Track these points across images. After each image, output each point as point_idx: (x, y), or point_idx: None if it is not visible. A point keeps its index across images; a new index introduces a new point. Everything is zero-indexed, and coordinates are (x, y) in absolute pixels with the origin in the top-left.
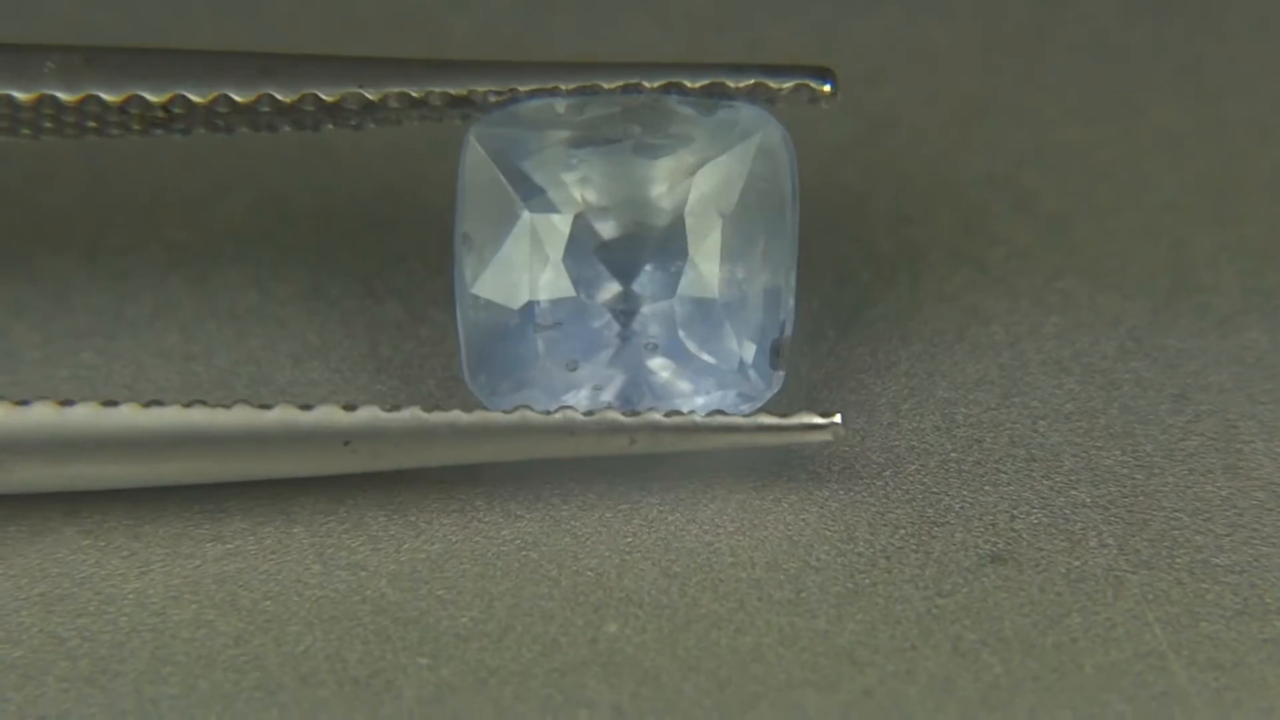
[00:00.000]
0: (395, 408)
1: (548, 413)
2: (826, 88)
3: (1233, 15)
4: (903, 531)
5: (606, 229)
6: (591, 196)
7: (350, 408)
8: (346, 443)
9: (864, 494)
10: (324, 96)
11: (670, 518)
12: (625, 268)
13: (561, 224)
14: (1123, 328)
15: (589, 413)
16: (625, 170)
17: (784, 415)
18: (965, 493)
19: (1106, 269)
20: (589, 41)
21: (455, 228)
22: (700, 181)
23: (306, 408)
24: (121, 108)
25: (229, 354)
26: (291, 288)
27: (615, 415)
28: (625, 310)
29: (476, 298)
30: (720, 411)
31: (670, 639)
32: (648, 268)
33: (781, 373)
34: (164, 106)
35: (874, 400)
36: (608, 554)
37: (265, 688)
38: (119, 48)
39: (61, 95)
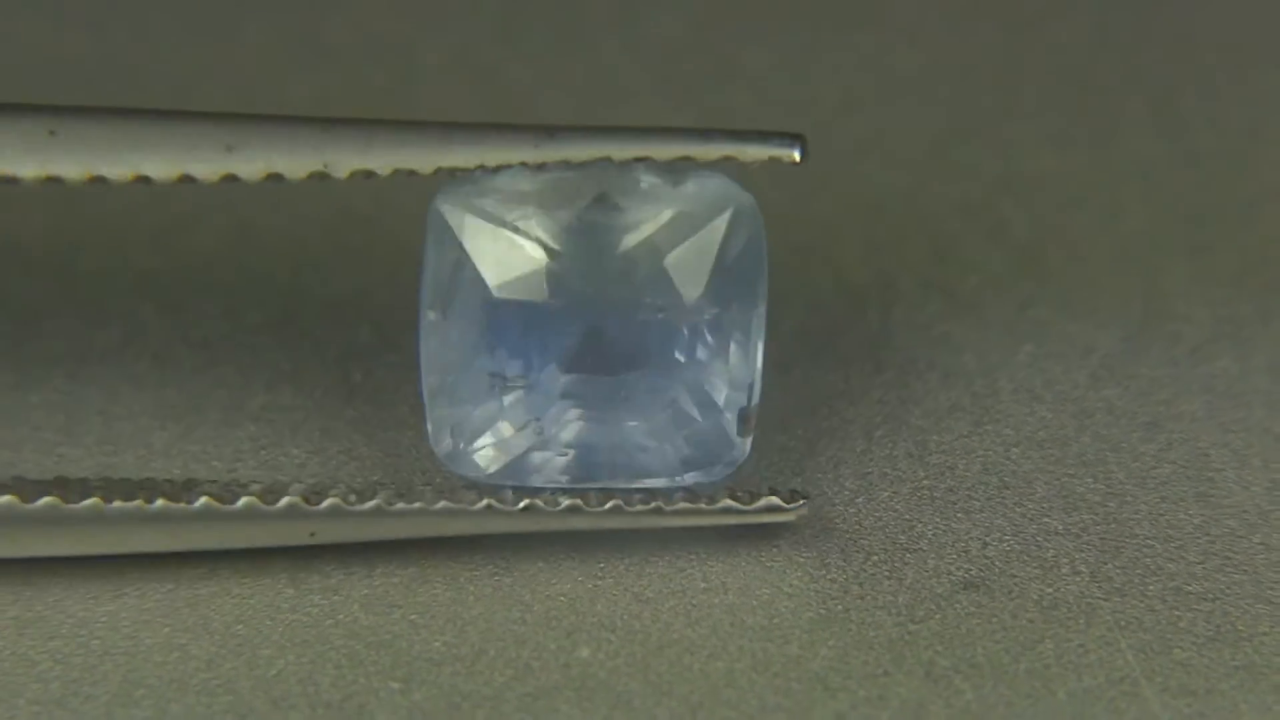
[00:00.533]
0: (360, 497)
1: (514, 496)
2: (795, 155)
3: (1205, 46)
4: (875, 558)
5: (574, 301)
6: (558, 270)
7: (314, 497)
8: (311, 534)
9: (836, 520)
10: (287, 176)
11: (641, 543)
12: (599, 335)
13: (526, 295)
14: (1095, 356)
15: (552, 495)
16: (593, 242)
17: (750, 497)
18: (938, 519)
19: (1078, 298)
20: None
21: (420, 295)
22: (669, 252)
23: (271, 499)
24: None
25: (200, 380)
26: (263, 315)
27: (578, 502)
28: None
29: (440, 369)
30: (687, 490)
31: (643, 664)
32: (621, 332)
33: (749, 439)
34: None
35: (846, 427)
36: (580, 579)
37: (237, 711)
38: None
39: (22, 174)
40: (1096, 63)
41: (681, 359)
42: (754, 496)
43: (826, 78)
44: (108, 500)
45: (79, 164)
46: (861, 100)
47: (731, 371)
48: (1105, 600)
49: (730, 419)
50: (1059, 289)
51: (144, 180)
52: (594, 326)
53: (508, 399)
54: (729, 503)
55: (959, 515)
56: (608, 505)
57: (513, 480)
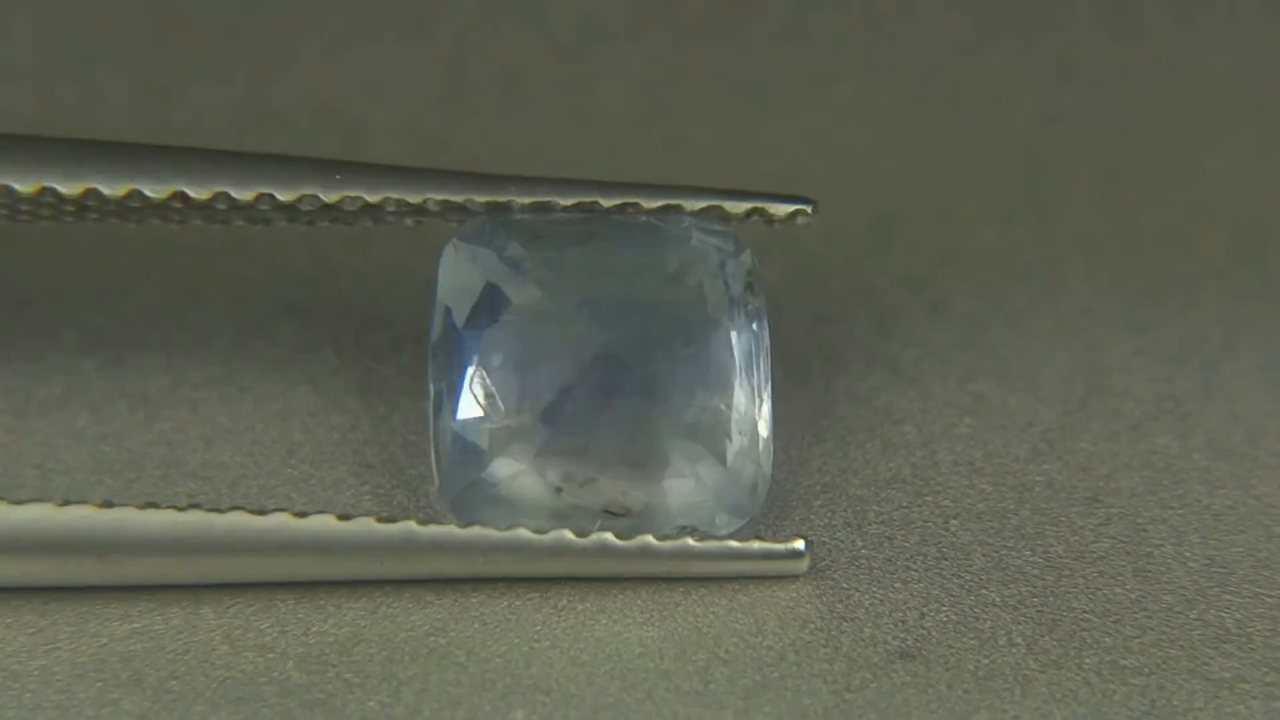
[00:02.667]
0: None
1: (499, 529)
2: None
3: (1149, 125)
4: (812, 626)
5: (576, 341)
6: (563, 308)
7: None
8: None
9: (774, 588)
10: (323, 198)
11: (579, 606)
12: (598, 376)
13: (529, 341)
14: (1035, 430)
15: (542, 531)
16: (594, 283)
17: (753, 541)
18: (875, 589)
19: (1020, 372)
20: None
21: (429, 334)
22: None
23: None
24: (80, 199)
25: (140, 436)
26: (204, 372)
27: (569, 536)
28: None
29: (446, 406)
30: (690, 532)
31: None
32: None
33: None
34: (119, 201)
35: (786, 496)
36: (516, 641)
37: None
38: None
39: (61, 189)
40: (1042, 140)
41: (680, 406)
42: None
43: (774, 150)
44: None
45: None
46: (808, 173)
47: (740, 427)
48: (1041, 673)
49: (745, 476)
50: (1001, 363)
51: (182, 196)
52: (592, 367)
53: (510, 439)
54: (732, 545)
55: (897, 585)
56: (602, 543)
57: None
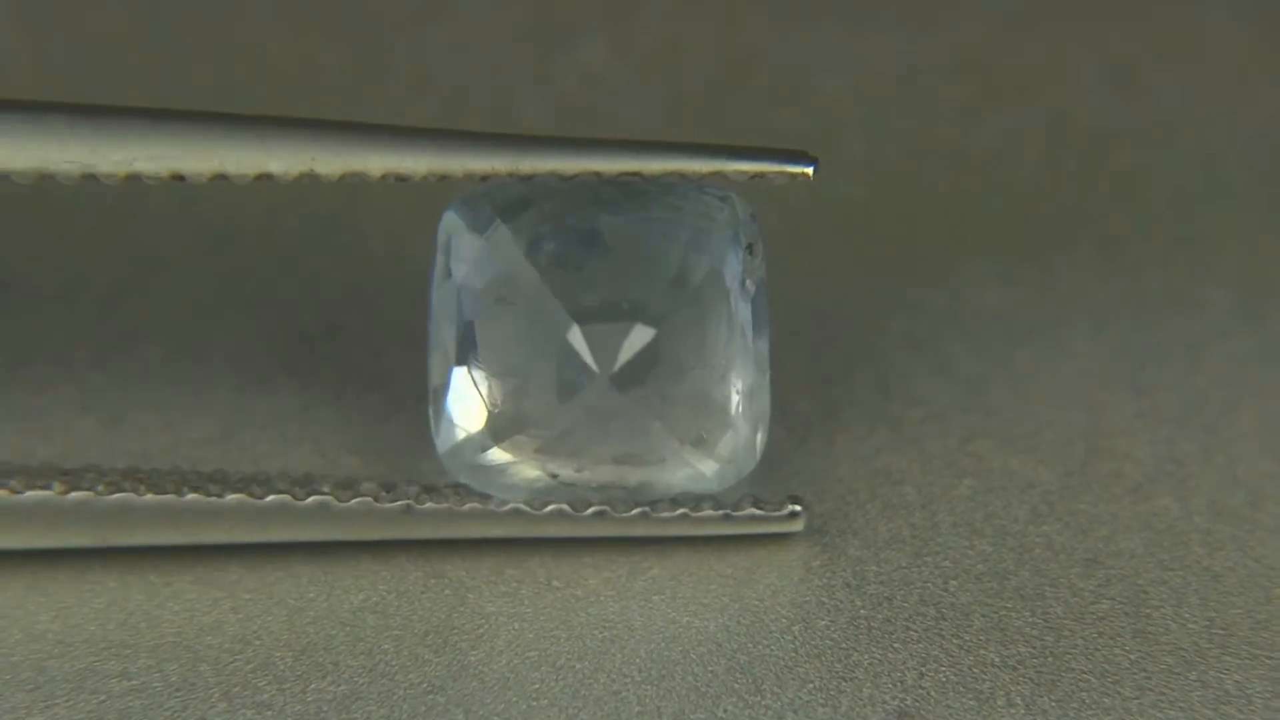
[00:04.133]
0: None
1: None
2: (809, 170)
3: (1152, 187)
4: (810, 686)
5: (573, 311)
6: (559, 279)
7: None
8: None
9: (772, 648)
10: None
11: (578, 665)
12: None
13: (524, 311)
14: (1035, 492)
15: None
16: (593, 249)
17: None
18: (874, 649)
19: (1021, 433)
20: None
21: (430, 312)
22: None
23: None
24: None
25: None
26: (203, 431)
27: (565, 507)
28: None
29: (445, 378)
30: (684, 501)
31: None
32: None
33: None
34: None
35: (785, 555)
36: (515, 699)
37: None
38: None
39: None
40: (1046, 201)
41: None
42: (765, 505)
43: (775, 207)
44: (139, 494)
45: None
46: (809, 231)
47: (742, 395)
48: None
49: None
50: (1002, 424)
51: (134, 177)
52: (587, 338)
53: (510, 408)
54: (713, 511)
55: (895, 645)
56: (589, 511)
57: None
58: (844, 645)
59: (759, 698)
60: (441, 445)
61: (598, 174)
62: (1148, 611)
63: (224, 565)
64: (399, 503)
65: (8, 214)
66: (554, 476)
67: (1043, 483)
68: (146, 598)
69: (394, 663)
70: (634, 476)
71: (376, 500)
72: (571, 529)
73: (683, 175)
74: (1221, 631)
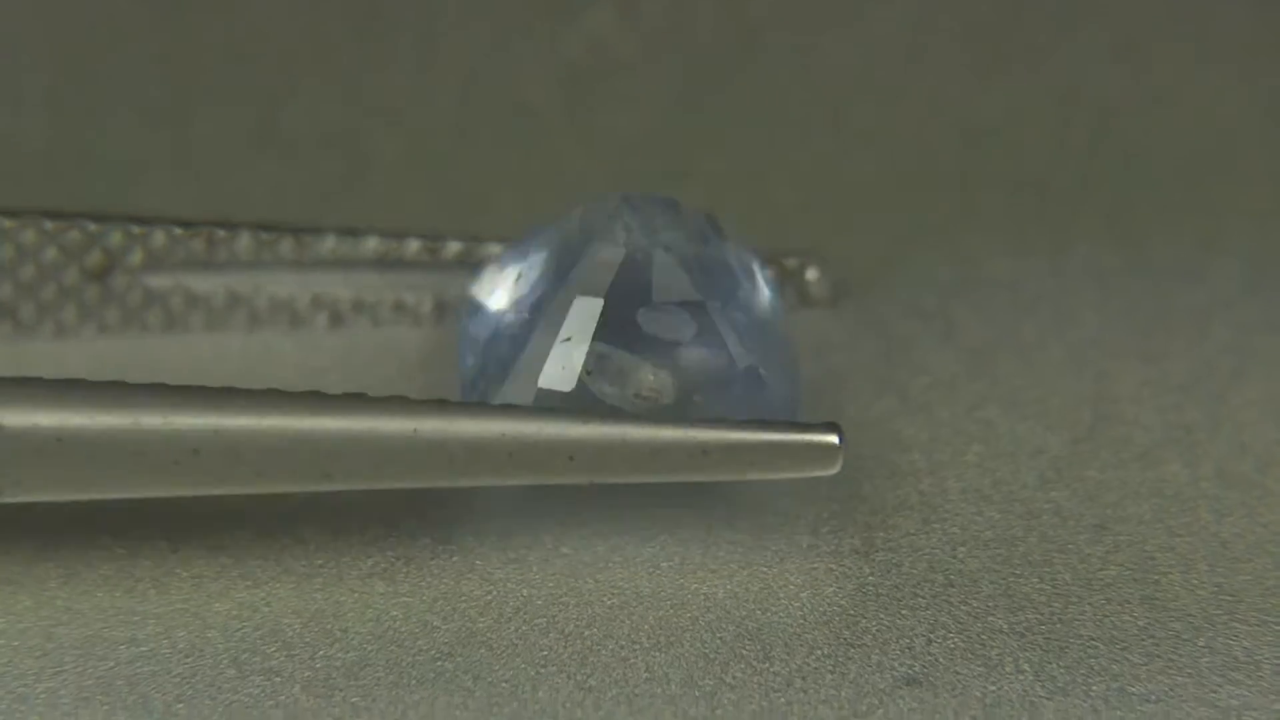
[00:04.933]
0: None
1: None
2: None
3: (1160, 156)
4: (819, 652)
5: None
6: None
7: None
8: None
9: (782, 614)
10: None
11: (586, 632)
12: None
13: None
14: (1043, 458)
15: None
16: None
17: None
18: (883, 615)
19: (1029, 400)
20: None
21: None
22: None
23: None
24: None
25: None
26: None
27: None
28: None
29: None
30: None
31: None
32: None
33: None
34: None
35: (793, 523)
36: (523, 666)
37: None
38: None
39: None
40: (1053, 171)
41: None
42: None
43: (785, 179)
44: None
45: None
46: (818, 200)
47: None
48: (1048, 699)
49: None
50: (1010, 391)
51: None
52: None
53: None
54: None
55: (904, 612)
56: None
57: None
58: (852, 612)
59: (767, 664)
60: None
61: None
62: (1156, 578)
63: (233, 531)
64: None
65: None
66: (587, 374)
67: (1050, 449)
68: (155, 564)
69: (402, 629)
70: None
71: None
72: (612, 435)
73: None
74: (1229, 597)
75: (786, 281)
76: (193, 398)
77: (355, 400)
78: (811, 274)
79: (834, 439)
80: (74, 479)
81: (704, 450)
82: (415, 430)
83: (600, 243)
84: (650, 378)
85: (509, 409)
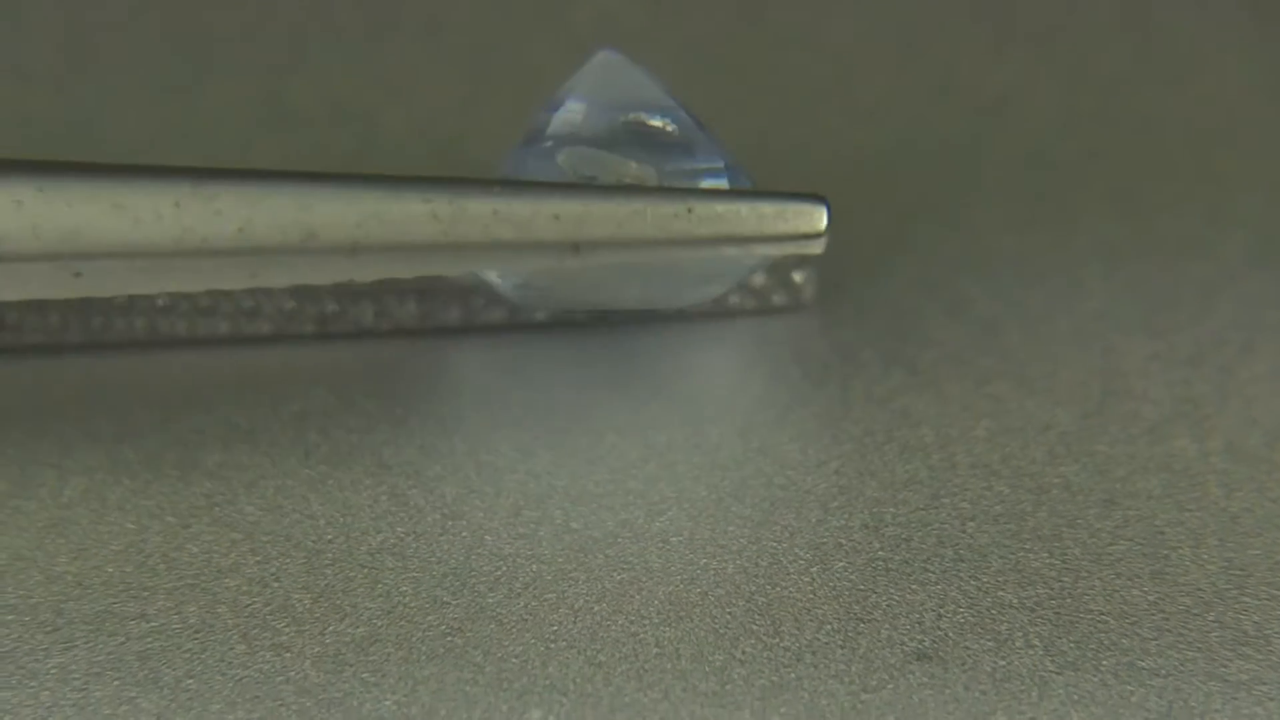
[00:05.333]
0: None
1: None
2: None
3: (1166, 129)
4: (829, 627)
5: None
6: None
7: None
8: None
9: (791, 589)
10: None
11: (596, 607)
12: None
13: None
14: (1053, 433)
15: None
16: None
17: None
18: (892, 590)
19: (1037, 374)
20: None
21: None
22: None
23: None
24: None
25: (157, 437)
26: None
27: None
28: None
29: None
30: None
31: None
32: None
33: None
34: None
35: (803, 497)
36: (533, 641)
37: None
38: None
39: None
40: (1061, 144)
41: None
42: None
43: (792, 152)
44: None
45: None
46: (825, 175)
47: None
48: (1058, 674)
49: None
50: (1018, 365)
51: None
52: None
53: None
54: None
55: (914, 587)
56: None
57: None
58: (862, 587)
59: (777, 639)
60: None
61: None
62: (1165, 552)
63: (242, 507)
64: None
65: None
66: None
67: (1060, 424)
68: (165, 540)
69: (412, 605)
70: None
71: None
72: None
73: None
74: (1239, 572)
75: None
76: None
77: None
78: (798, 276)
79: (821, 210)
80: (53, 232)
81: (689, 209)
82: (395, 192)
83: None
84: (634, 166)
85: (496, 180)
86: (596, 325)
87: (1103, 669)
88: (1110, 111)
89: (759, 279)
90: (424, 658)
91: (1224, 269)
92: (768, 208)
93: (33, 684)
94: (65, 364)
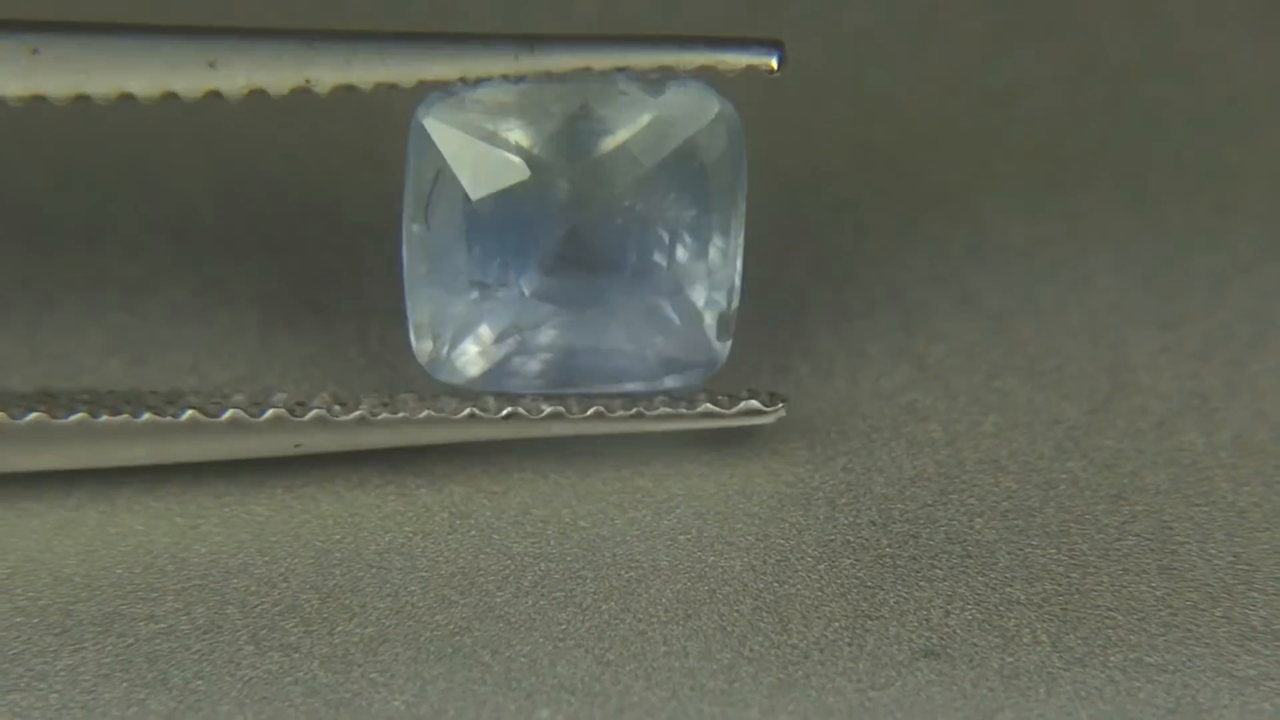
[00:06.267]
0: (345, 407)
1: (496, 403)
2: (773, 62)
3: (1175, 121)
4: (837, 624)
5: (557, 203)
6: (537, 177)
7: (299, 408)
8: (297, 445)
9: (799, 586)
10: (269, 91)
11: (604, 606)
12: (580, 240)
13: (505, 201)
14: (1060, 428)
15: (534, 401)
16: (572, 150)
17: (730, 400)
18: (900, 587)
19: (1045, 369)
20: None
21: (402, 211)
22: (648, 157)
23: (256, 411)
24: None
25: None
26: (230, 371)
27: (560, 408)
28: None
29: (421, 278)
30: (667, 395)
31: None
32: (601, 237)
33: (728, 343)
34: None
35: (811, 494)
36: (541, 640)
37: None
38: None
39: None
40: (1068, 136)
41: (661, 262)
42: (734, 400)
43: (797, 144)
44: (95, 415)
45: (62, 82)
46: (833, 167)
47: (711, 274)
48: (1066, 670)
49: (710, 322)
50: (1026, 359)
51: (128, 98)
52: (572, 229)
53: (488, 303)
54: (709, 406)
55: (921, 583)
56: (589, 411)
57: (494, 388)
58: (870, 584)
59: (785, 636)
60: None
61: (588, 69)
62: (1173, 547)
63: (250, 508)
64: (371, 411)
65: (37, 150)
66: (519, 338)
67: (1068, 418)
68: (173, 541)
69: (420, 604)
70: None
71: (346, 410)
72: (558, 428)
73: (667, 68)
74: (1247, 567)
75: None
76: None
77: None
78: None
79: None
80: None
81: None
82: None
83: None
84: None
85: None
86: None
87: (1110, 665)
88: (1119, 101)
89: None
90: (432, 657)
91: (1234, 260)
92: (723, 418)
93: (42, 685)
94: (74, 363)
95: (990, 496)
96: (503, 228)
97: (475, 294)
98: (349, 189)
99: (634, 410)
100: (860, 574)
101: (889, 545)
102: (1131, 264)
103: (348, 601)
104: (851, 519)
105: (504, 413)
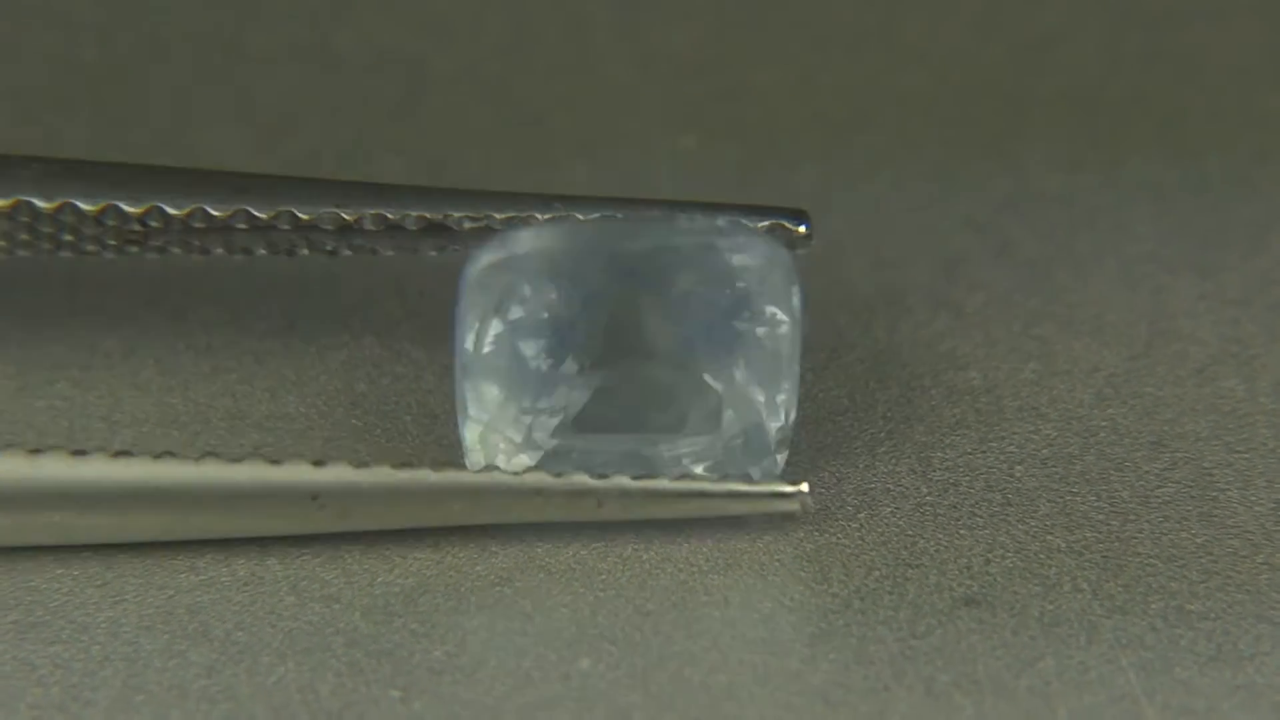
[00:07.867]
0: (364, 464)
1: (516, 474)
2: (801, 229)
3: (1214, 69)
4: (877, 573)
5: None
6: (594, 344)
7: (320, 463)
8: (315, 498)
9: (839, 535)
10: (300, 215)
11: (644, 555)
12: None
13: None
14: (1100, 375)
15: (558, 474)
16: (628, 311)
17: (752, 483)
18: (940, 536)
19: (1085, 316)
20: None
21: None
22: (706, 316)
23: (275, 462)
24: (98, 219)
25: (205, 388)
26: (267, 323)
27: (584, 479)
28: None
29: (473, 410)
30: (688, 474)
31: (643, 676)
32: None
33: (784, 455)
34: (140, 219)
35: (850, 443)
36: (582, 590)
37: (237, 718)
38: (99, 162)
39: (38, 202)
40: (1107, 84)
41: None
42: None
43: (838, 94)
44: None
45: (93, 198)
46: (871, 115)
47: (771, 416)
48: (1107, 618)
49: (768, 438)
50: (1066, 307)
51: (158, 213)
52: (606, 389)
53: (538, 428)
54: (732, 486)
55: (962, 532)
56: (612, 482)
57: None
58: (910, 532)
59: (825, 585)
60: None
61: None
62: (1214, 494)
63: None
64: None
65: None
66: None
67: (1107, 366)
68: None
69: (461, 554)
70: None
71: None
72: (579, 511)
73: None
74: None
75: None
76: None
77: None
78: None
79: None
80: None
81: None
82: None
83: None
84: None
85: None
86: None
87: (1151, 612)
88: (1157, 50)
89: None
90: (473, 608)
91: (1272, 207)
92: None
93: (83, 638)
94: (112, 314)
95: (1030, 444)
96: (553, 369)
97: (529, 419)
98: None
99: (660, 489)
100: (900, 522)
101: (929, 493)
102: (1170, 212)
103: (388, 552)
104: (891, 467)
105: (525, 477)
